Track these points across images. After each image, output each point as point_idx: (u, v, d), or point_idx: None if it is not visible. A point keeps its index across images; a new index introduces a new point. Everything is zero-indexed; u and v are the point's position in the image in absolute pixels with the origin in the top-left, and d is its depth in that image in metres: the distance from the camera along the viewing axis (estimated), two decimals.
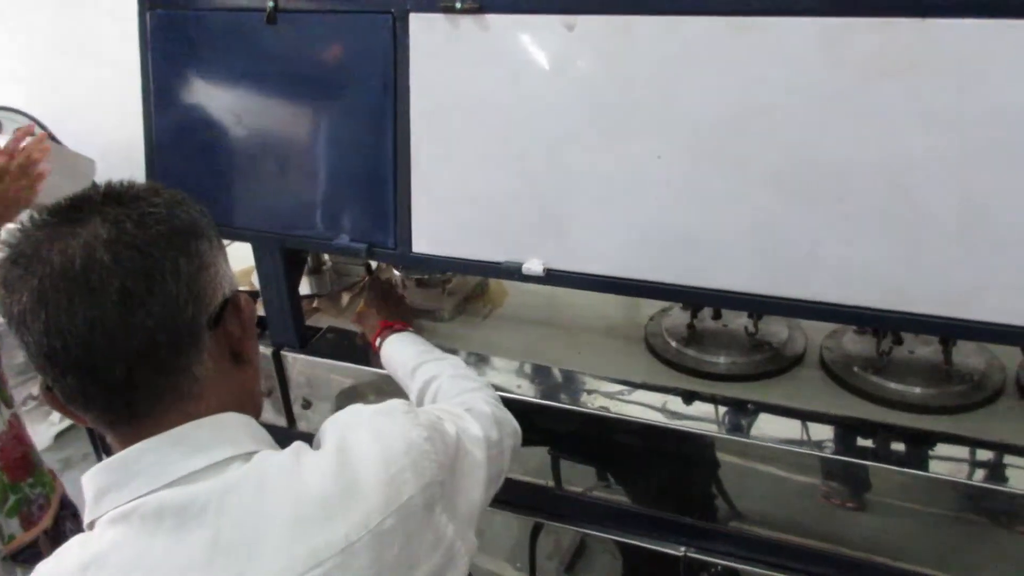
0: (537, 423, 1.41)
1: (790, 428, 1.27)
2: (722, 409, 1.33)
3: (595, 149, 1.20)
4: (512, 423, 1.13)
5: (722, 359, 1.44)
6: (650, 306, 1.63)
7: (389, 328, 1.44)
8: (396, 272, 1.77)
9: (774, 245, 1.14)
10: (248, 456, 0.78)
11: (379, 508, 0.77)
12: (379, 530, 0.76)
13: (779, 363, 1.43)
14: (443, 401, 1.16)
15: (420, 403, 1.24)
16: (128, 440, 0.76)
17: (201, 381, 0.78)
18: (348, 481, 0.77)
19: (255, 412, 0.86)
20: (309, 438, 0.85)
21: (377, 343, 1.43)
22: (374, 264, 1.86)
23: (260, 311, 1.60)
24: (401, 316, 1.51)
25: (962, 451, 1.21)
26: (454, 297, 1.72)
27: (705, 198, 1.16)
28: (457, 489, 0.90)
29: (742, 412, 1.31)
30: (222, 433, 0.78)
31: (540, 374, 1.47)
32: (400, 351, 1.37)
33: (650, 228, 1.21)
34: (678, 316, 1.57)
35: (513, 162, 1.26)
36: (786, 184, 1.11)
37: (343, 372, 1.54)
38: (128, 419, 0.76)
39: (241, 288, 0.87)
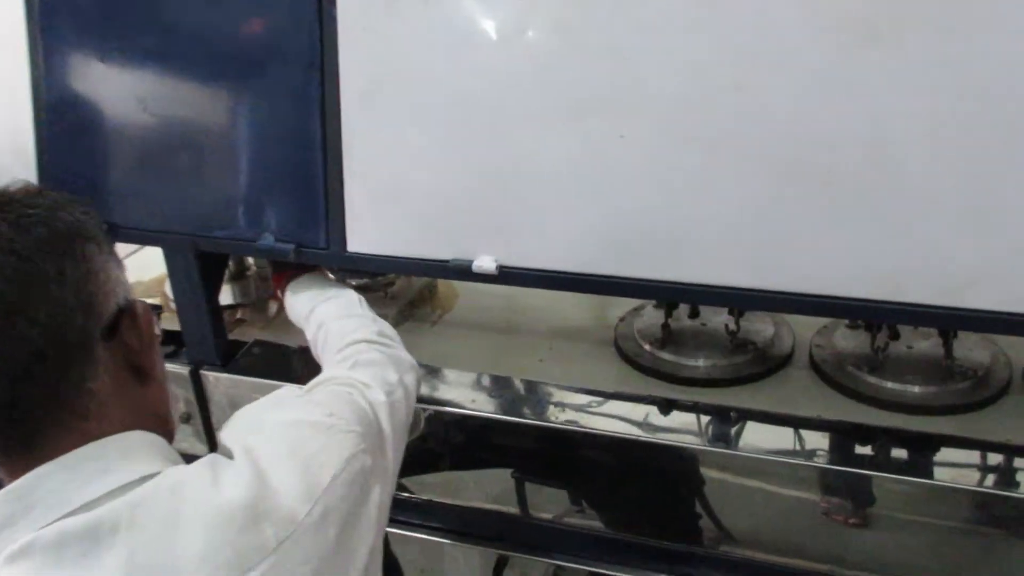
0: (497, 442, 1.40)
1: (780, 437, 1.28)
2: (704, 418, 1.33)
3: (551, 129, 1.19)
4: (407, 358, 1.19)
5: (701, 362, 1.44)
6: (619, 305, 1.64)
7: (286, 278, 1.47)
8: (330, 276, 1.75)
9: (754, 233, 1.14)
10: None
11: (302, 498, 0.80)
12: (308, 521, 0.80)
13: (765, 364, 1.44)
14: (330, 354, 1.21)
15: (315, 352, 1.31)
16: (21, 468, 0.76)
17: (98, 397, 0.79)
18: (263, 482, 0.80)
19: (166, 435, 0.86)
20: None
21: (280, 293, 1.47)
22: None
23: (175, 324, 1.57)
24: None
25: (969, 455, 1.23)
26: (397, 302, 1.71)
27: (676, 182, 1.16)
28: (379, 458, 0.95)
29: (726, 421, 1.32)
30: (129, 452, 0.79)
31: (498, 386, 1.46)
32: (295, 301, 1.41)
33: (616, 217, 1.20)
34: (651, 316, 1.58)
35: (459, 147, 1.25)
36: (765, 165, 1.11)
37: (273, 391, 1.51)
38: (18, 444, 0.76)
39: (152, 300, 0.88)
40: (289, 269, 1.46)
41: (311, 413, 0.92)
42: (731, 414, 1.32)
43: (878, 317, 1.27)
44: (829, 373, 1.39)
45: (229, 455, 0.84)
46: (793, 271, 1.15)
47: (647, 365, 1.46)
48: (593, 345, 1.56)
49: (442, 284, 1.81)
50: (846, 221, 1.10)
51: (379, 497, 0.91)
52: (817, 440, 1.27)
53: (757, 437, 1.28)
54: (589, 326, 1.62)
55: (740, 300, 1.20)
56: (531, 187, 1.22)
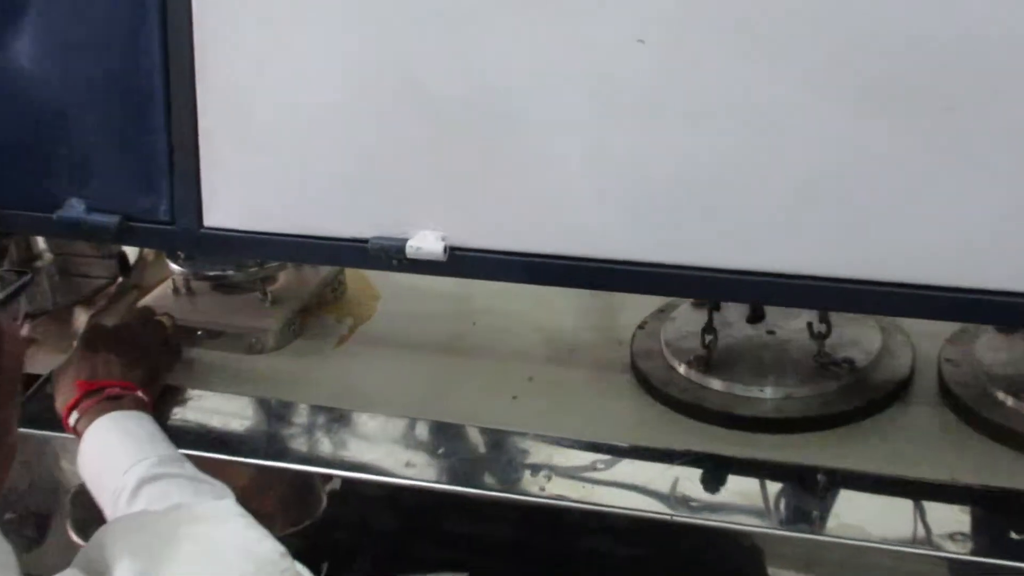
0: (445, 527, 1.41)
1: (893, 512, 1.29)
2: (773, 485, 1.34)
3: (531, 30, 1.20)
4: None
5: (769, 392, 1.45)
6: (635, 308, 1.65)
7: (99, 394, 1.42)
8: (175, 267, 1.75)
9: (846, 193, 1.16)
10: None
11: None
12: None
13: (868, 394, 1.44)
14: None
15: None
16: None
17: None
18: None
19: None
20: None
21: (72, 420, 1.41)
22: (133, 253, 1.84)
23: None
24: (150, 372, 1.50)
25: None
26: (283, 308, 1.72)
27: (727, 113, 1.17)
28: None
29: (809, 488, 1.32)
30: None
31: (444, 439, 1.46)
32: (115, 446, 1.36)
33: (630, 169, 1.21)
34: (687, 320, 1.59)
35: (382, 57, 1.25)
36: (858, 87, 1.12)
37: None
38: None
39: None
40: (105, 380, 1.44)
41: (260, 543, 0.91)
42: (817, 477, 1.33)
43: None
44: (969, 404, 1.40)
45: (103, 572, 0.84)
46: (906, 250, 1.16)
47: (682, 398, 1.46)
48: (597, 370, 1.57)
49: (354, 279, 1.83)
50: (982, 172, 1.12)
51: None
52: (952, 517, 1.28)
53: (857, 513, 1.29)
54: (590, 341, 1.64)
55: (828, 296, 1.22)
56: (500, 122, 1.23)
